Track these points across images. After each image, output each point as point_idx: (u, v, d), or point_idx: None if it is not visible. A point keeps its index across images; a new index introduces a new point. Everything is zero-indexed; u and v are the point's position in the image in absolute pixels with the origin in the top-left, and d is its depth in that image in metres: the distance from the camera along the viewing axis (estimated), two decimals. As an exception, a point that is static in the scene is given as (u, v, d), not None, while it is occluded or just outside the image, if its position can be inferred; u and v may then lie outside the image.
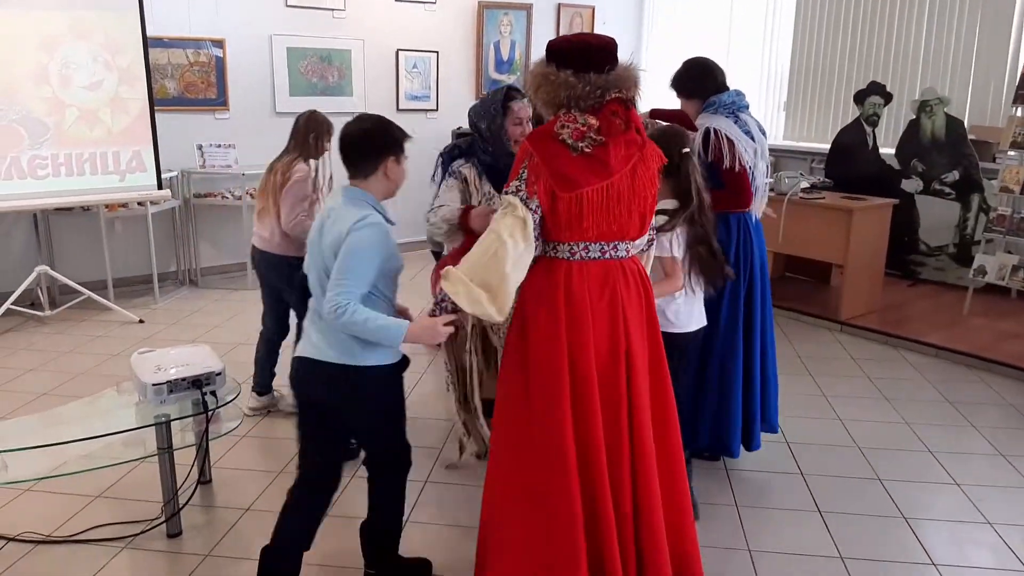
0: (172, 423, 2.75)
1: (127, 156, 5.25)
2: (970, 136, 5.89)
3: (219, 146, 6.05)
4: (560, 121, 2.09)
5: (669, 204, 2.62)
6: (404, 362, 2.36)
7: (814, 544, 2.81)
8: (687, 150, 2.65)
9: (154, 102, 5.39)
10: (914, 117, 6.07)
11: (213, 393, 2.74)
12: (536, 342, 2.14)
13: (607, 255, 2.14)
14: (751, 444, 3.23)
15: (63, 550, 2.73)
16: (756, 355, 3.17)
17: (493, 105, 3.05)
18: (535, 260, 2.13)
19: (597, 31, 8.18)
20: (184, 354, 2.90)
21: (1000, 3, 6.01)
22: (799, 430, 3.66)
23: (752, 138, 3.08)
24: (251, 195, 6.08)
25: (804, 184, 5.33)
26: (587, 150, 2.06)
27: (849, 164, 6.30)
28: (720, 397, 3.08)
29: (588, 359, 2.09)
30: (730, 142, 3.01)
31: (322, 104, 6.56)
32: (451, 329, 2.18)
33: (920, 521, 2.95)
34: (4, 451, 2.69)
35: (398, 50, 6.91)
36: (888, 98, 6.26)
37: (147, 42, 5.30)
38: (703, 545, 2.75)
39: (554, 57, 2.11)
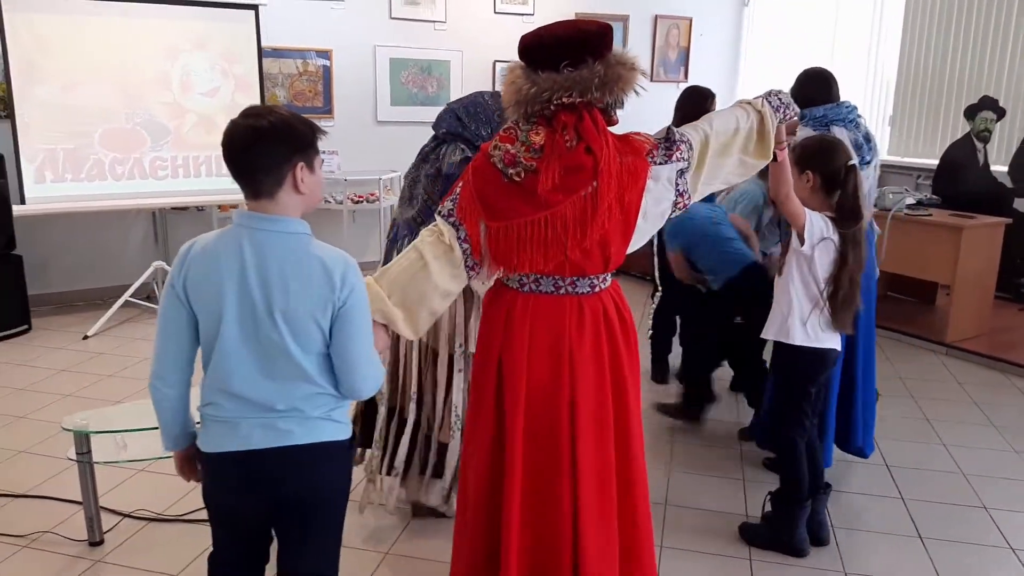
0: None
1: (239, 160, 5.52)
2: (1092, 154, 5.58)
3: (323, 152, 6.28)
4: (495, 140, 1.84)
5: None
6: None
7: (913, 570, 2.71)
8: (853, 162, 2.59)
9: (265, 109, 5.65)
10: (1030, 133, 5.80)
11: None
12: (474, 365, 2.04)
13: (562, 291, 1.88)
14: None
15: (174, 528, 2.88)
16: (838, 372, 3.10)
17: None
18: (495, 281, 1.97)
19: (694, 42, 8.14)
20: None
21: None
22: (899, 453, 3.54)
23: None
24: (352, 200, 6.30)
25: (909, 200, 5.16)
26: (516, 178, 1.79)
27: (958, 181, 6.05)
28: None
29: (516, 396, 1.87)
30: None
31: (420, 114, 6.78)
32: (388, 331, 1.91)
33: (1029, 553, 2.82)
34: (123, 431, 2.86)
35: (495, 61, 7.03)
36: (1001, 113, 6.00)
37: (261, 52, 5.58)
38: (799, 565, 2.72)
39: (519, 52, 1.84)
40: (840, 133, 3.10)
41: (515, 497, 1.88)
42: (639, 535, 2.02)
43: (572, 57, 1.74)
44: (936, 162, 6.32)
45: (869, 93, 7.22)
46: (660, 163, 1.89)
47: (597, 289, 1.92)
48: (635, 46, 7.78)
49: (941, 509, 3.11)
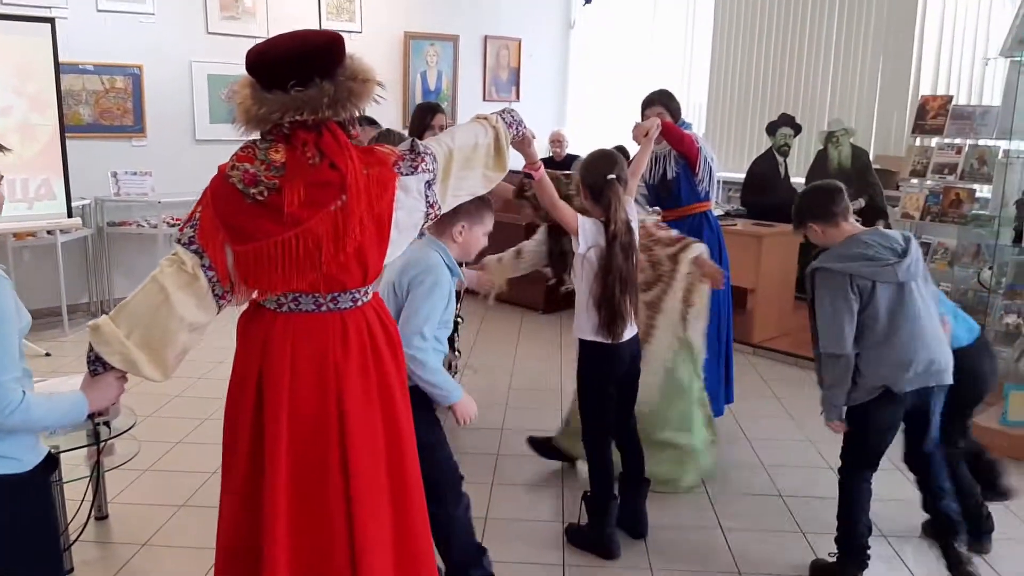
0: (62, 454, 2.66)
1: (36, 184, 5.12)
2: (875, 165, 6.15)
3: (135, 174, 5.95)
4: (232, 160, 1.76)
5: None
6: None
7: (718, 560, 2.86)
8: (612, 176, 2.69)
9: (65, 129, 5.28)
10: (822, 147, 6.31)
11: (107, 423, 2.66)
12: (229, 391, 1.91)
13: (324, 308, 1.82)
14: None
15: None
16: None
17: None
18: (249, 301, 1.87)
19: (524, 63, 8.34)
20: (77, 383, 2.81)
21: (901, 39, 6.35)
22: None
23: None
24: (168, 223, 5.99)
25: (718, 212, 5.49)
26: (259, 198, 1.71)
27: (762, 193, 6.50)
28: None
29: (278, 423, 1.79)
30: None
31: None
32: (125, 380, 1.85)
33: (818, 535, 3.03)
34: None
35: (322, 79, 6.90)
36: (798, 129, 6.52)
37: (59, 68, 5.21)
38: (608, 567, 2.80)
39: (247, 68, 1.77)
40: None
41: (280, 534, 1.79)
42: (419, 557, 2.00)
43: (298, 76, 1.70)
44: (743, 175, 6.77)
45: (683, 113, 7.63)
46: (407, 174, 1.88)
47: (359, 303, 1.88)
48: (466, 66, 7.90)
49: (744, 500, 3.31)
